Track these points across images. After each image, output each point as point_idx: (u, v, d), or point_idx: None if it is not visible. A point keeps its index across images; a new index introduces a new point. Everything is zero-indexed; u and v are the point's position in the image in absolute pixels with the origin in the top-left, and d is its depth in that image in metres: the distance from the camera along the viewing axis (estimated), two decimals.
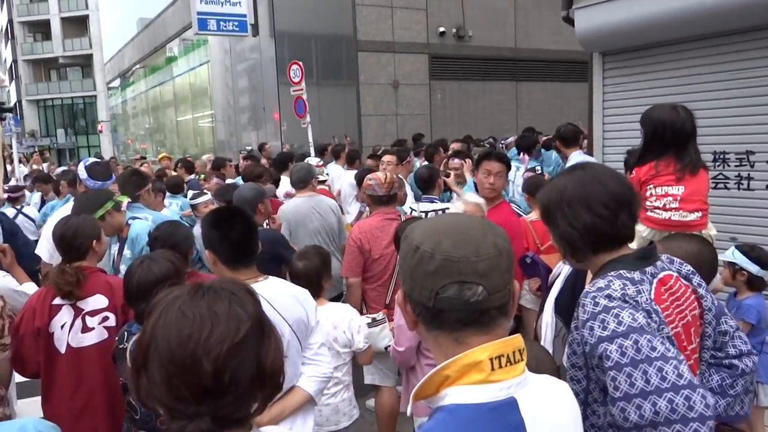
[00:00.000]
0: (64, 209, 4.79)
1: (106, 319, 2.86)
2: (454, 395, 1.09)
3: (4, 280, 3.29)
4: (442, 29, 15.76)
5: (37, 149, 32.54)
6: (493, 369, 1.08)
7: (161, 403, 1.04)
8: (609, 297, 1.55)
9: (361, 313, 3.85)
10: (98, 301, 2.86)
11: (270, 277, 2.60)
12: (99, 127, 43.70)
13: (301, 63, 11.37)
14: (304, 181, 4.98)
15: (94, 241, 2.99)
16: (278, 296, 2.42)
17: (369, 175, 4.14)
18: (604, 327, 1.50)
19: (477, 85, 16.56)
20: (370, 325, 3.58)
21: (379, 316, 3.72)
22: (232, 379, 1.02)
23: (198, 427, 1.01)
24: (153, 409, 1.07)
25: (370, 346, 3.37)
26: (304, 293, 2.60)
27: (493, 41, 16.56)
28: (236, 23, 13.15)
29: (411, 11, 15.37)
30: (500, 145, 9.39)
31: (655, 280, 1.66)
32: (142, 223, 4.01)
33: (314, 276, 3.19)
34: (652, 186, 3.33)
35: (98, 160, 5.17)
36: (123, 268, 3.73)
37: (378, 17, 14.97)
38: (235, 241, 2.46)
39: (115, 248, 4.03)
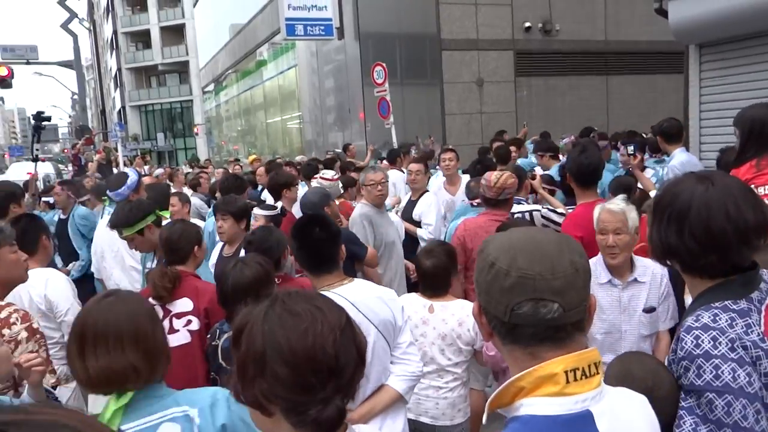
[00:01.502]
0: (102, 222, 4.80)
1: (189, 322, 2.93)
2: (528, 406, 1.10)
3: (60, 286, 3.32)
4: (527, 24, 15.43)
5: (139, 152, 34.63)
6: (568, 382, 1.08)
7: (286, 400, 1.14)
8: (714, 340, 1.44)
9: None
10: (185, 304, 2.95)
11: (355, 279, 2.69)
12: (195, 130, 45.97)
13: (384, 64, 11.52)
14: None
15: (196, 247, 3.17)
16: (363, 298, 2.49)
17: (485, 175, 4.16)
18: (699, 375, 1.43)
19: (565, 80, 16.11)
20: None
21: None
22: (346, 360, 1.15)
23: (336, 406, 1.13)
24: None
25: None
26: (390, 293, 2.66)
27: (582, 34, 16.04)
28: (322, 27, 13.52)
29: (495, 7, 15.16)
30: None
31: (763, 308, 1.53)
32: None
33: (443, 273, 3.19)
34: (754, 186, 3.16)
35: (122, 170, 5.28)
36: None
37: (462, 15, 14.88)
38: (312, 249, 2.56)
39: (150, 266, 3.79)
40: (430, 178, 6.63)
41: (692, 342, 1.46)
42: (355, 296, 2.46)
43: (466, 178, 5.90)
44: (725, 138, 5.15)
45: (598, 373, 1.12)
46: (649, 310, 2.96)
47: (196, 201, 7.37)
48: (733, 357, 1.40)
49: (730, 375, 1.39)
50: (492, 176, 4.06)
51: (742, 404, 1.37)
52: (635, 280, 2.97)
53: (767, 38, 5.19)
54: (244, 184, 5.74)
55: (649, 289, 2.97)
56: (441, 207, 5.76)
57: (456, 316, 3.16)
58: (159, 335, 1.81)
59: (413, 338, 2.76)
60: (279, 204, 5.13)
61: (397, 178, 7.31)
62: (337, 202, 5.01)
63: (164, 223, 3.79)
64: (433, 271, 3.16)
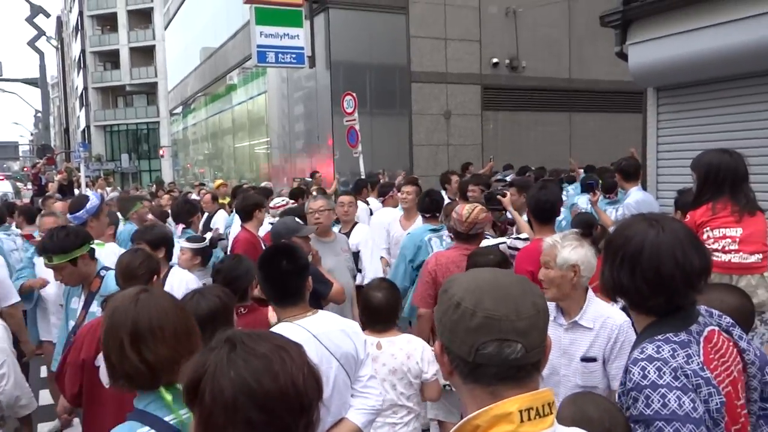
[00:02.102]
0: None
1: None
2: None
3: None
4: (495, 60, 15.83)
5: (102, 173, 34.00)
6: (522, 421, 1.11)
7: None
8: (659, 370, 1.52)
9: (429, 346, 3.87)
10: None
11: (319, 311, 2.68)
12: (161, 152, 45.40)
13: (354, 94, 11.63)
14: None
15: (155, 276, 3.12)
16: (326, 331, 2.48)
17: (456, 209, 4.14)
18: (648, 405, 1.50)
19: (530, 115, 16.50)
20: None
21: None
22: (313, 395, 1.15)
23: None
24: None
25: (437, 380, 3.36)
26: (354, 326, 2.65)
27: (547, 72, 16.51)
28: (294, 56, 13.61)
29: (464, 42, 15.53)
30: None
31: (702, 339, 1.64)
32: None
33: (393, 306, 3.23)
34: (708, 228, 3.28)
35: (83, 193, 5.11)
36: None
37: (432, 48, 15.19)
38: (278, 281, 2.52)
39: (76, 301, 3.45)
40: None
41: (639, 373, 1.53)
42: (317, 329, 2.46)
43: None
44: (681, 178, 5.33)
45: (551, 413, 1.15)
46: (588, 360, 2.66)
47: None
48: (677, 385, 1.49)
49: (676, 403, 1.46)
50: (464, 210, 4.02)
51: (689, 429, 1.45)
52: (577, 323, 2.70)
53: (722, 84, 5.42)
54: (194, 209, 5.70)
55: (595, 337, 2.66)
56: (383, 240, 5.65)
57: (404, 350, 3.18)
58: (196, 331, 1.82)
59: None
60: (207, 235, 5.11)
61: (360, 210, 7.11)
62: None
63: (98, 254, 3.51)
64: (380, 307, 3.17)
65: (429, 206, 5.11)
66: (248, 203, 5.30)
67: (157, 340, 1.66)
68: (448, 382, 3.51)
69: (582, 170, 9.79)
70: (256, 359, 1.12)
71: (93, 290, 3.34)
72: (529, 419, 1.12)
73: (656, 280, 1.61)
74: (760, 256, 3.18)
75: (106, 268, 3.43)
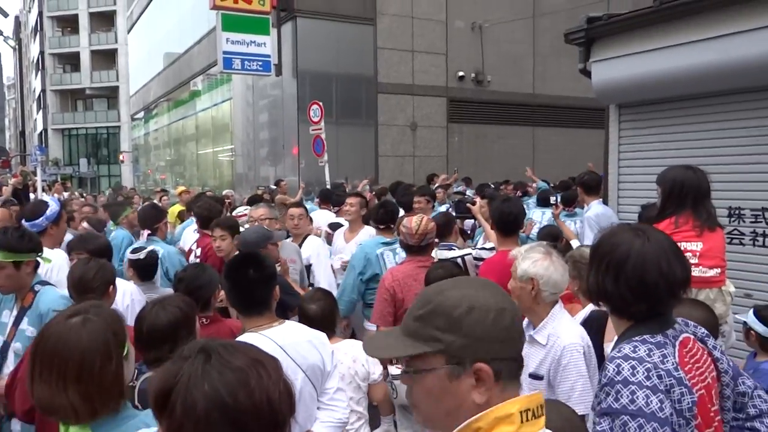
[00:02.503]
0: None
1: None
2: None
3: None
4: (461, 73, 16.01)
5: (59, 178, 33.11)
6: (522, 422, 1.14)
7: None
8: (633, 369, 1.58)
9: (391, 364, 3.83)
10: None
11: (286, 321, 2.63)
12: (121, 157, 44.47)
13: (321, 103, 11.61)
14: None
15: (111, 287, 3.01)
16: (292, 342, 2.44)
17: (404, 222, 4.07)
18: (617, 399, 1.55)
19: (494, 129, 16.73)
20: (400, 377, 3.56)
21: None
22: (287, 412, 1.11)
23: None
24: None
25: (383, 381, 3.40)
26: (321, 337, 2.62)
27: (511, 86, 16.79)
28: (260, 63, 13.50)
29: (431, 55, 15.67)
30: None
31: (678, 343, 1.69)
32: (53, 294, 3.15)
33: (329, 317, 3.24)
34: None
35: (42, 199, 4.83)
36: (18, 346, 3.02)
37: (399, 60, 15.28)
38: (244, 290, 2.47)
39: (7, 315, 3.17)
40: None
41: (614, 369, 1.59)
42: (284, 339, 2.41)
43: (369, 229, 5.51)
44: (642, 194, 5.44)
45: (543, 415, 1.18)
46: (535, 377, 2.59)
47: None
48: (648, 384, 1.54)
49: (643, 401, 1.52)
50: (412, 223, 3.95)
51: (653, 427, 1.50)
52: (533, 337, 2.62)
53: (683, 102, 5.56)
54: (161, 215, 5.56)
55: (545, 355, 2.58)
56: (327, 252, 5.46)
57: (349, 354, 3.23)
58: (110, 372, 1.61)
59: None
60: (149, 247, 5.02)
61: (327, 218, 7.00)
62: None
63: (42, 269, 3.29)
64: (316, 318, 3.17)
65: (384, 217, 4.94)
66: (214, 211, 5.22)
67: (43, 376, 1.57)
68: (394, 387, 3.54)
69: (536, 184, 9.97)
70: (232, 372, 1.06)
71: (25, 305, 3.11)
72: (528, 420, 1.15)
73: (640, 287, 1.67)
74: (719, 270, 3.26)
75: (43, 283, 3.23)
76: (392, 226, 4.93)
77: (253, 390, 1.06)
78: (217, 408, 1.03)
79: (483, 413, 1.14)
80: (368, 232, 5.48)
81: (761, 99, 5.00)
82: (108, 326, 1.65)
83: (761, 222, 5.06)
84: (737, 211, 5.19)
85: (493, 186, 9.40)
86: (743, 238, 5.13)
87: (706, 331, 1.82)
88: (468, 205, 5.19)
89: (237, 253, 3.49)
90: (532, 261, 2.66)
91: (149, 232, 5.21)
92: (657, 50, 5.41)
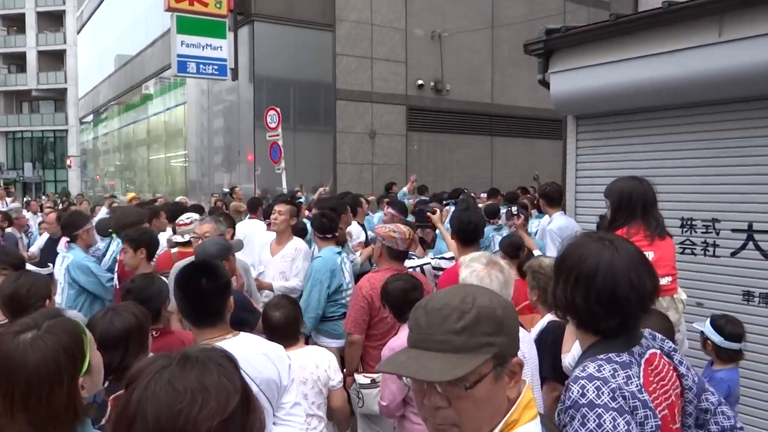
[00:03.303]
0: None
1: None
2: None
3: None
4: (420, 82, 16.07)
5: (2, 183, 31.85)
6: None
7: None
8: (598, 390, 1.53)
9: (358, 372, 3.78)
10: None
11: (241, 333, 2.51)
12: (68, 162, 43.08)
13: (278, 109, 11.44)
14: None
15: (47, 301, 2.83)
16: (246, 355, 2.33)
17: (394, 228, 4.01)
18: (583, 424, 1.50)
19: (453, 137, 16.83)
20: (368, 387, 3.52)
21: (378, 377, 3.52)
22: None
23: None
24: None
25: (342, 388, 3.39)
26: (278, 350, 2.51)
27: (470, 96, 16.94)
28: (216, 67, 13.25)
29: (390, 63, 15.68)
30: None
31: (643, 361, 1.65)
32: None
33: (293, 324, 3.26)
34: None
35: None
36: None
37: (358, 67, 15.23)
38: (197, 300, 2.37)
39: None
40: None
41: (578, 391, 1.53)
42: (237, 352, 2.26)
43: (297, 240, 5.28)
44: (600, 204, 5.44)
45: None
46: None
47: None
48: (614, 406, 1.49)
49: (611, 424, 1.47)
50: (404, 228, 3.98)
51: None
52: None
53: (640, 114, 5.66)
54: (82, 221, 5.33)
55: None
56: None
57: (311, 359, 3.25)
58: (61, 398, 1.47)
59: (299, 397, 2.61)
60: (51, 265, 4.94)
61: (258, 230, 6.54)
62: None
63: None
64: (284, 323, 3.20)
65: (328, 227, 4.89)
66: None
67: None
68: (359, 396, 3.48)
69: (483, 197, 10.01)
70: (171, 391, 1.00)
71: None
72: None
73: (611, 302, 1.61)
74: (670, 278, 3.29)
75: None
76: (336, 235, 5.01)
77: (178, 416, 0.98)
78: (140, 418, 0.99)
79: (515, 406, 1.23)
80: (295, 244, 5.20)
81: (714, 113, 5.13)
82: (59, 345, 1.50)
83: (712, 232, 5.16)
84: (689, 222, 5.29)
85: (466, 191, 9.36)
86: (695, 248, 5.23)
87: (673, 345, 1.80)
88: (428, 214, 5.14)
89: (189, 261, 3.32)
90: (470, 271, 2.63)
91: (68, 239, 5.00)
92: (614, 63, 5.49)
